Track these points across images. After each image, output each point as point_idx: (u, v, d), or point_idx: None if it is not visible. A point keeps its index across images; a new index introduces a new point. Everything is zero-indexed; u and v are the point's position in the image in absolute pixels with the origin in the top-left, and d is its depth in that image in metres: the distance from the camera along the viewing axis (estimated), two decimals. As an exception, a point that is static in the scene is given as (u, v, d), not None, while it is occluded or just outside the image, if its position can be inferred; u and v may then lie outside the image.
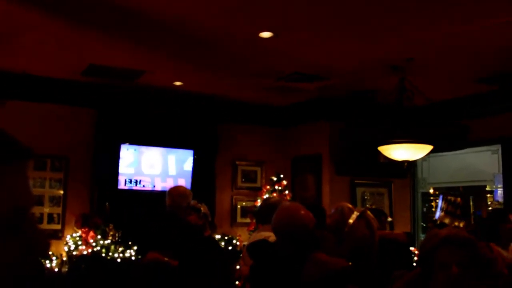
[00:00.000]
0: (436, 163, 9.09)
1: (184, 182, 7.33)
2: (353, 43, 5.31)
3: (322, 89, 7.04)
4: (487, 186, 8.66)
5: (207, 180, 7.80)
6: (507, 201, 7.10)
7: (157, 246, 4.39)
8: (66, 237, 6.75)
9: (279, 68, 6.26)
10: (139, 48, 5.64)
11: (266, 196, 7.58)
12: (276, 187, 7.69)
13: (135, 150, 7.30)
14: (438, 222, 3.59)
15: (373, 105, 6.99)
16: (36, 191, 6.92)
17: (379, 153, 6.35)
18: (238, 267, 4.95)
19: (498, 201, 7.99)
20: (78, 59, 6.04)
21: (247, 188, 8.34)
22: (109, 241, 6.46)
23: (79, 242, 6.49)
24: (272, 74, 6.50)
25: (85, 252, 6.35)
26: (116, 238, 6.56)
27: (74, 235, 6.62)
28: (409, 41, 5.20)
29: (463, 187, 8.93)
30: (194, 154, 7.64)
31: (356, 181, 7.99)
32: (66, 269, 6.47)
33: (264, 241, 3.24)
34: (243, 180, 8.35)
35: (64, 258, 6.61)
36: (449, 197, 4.13)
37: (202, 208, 5.07)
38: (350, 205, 3.02)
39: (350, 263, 2.65)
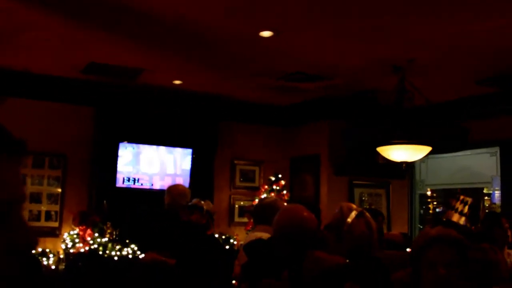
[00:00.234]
0: (434, 164, 9.09)
1: (183, 181, 7.32)
2: (354, 43, 5.31)
3: (322, 89, 7.04)
4: (485, 189, 8.66)
5: (206, 179, 7.79)
6: (504, 203, 7.11)
7: (156, 246, 4.39)
8: (63, 235, 6.74)
9: (279, 68, 6.26)
10: (139, 47, 5.63)
11: (264, 195, 7.58)
12: (274, 187, 7.70)
13: (133, 148, 7.29)
14: (444, 219, 3.59)
15: (373, 105, 7.00)
16: (34, 188, 6.91)
17: (378, 154, 6.35)
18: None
19: (495, 204, 7.99)
20: (78, 57, 6.03)
21: (245, 187, 8.34)
22: (106, 239, 6.45)
23: (77, 240, 6.48)
24: (272, 74, 6.49)
25: (82, 250, 6.34)
26: (114, 236, 6.55)
27: (72, 232, 6.61)
28: (410, 42, 5.20)
29: (461, 189, 8.94)
30: (193, 153, 7.63)
31: (354, 182, 8.00)
32: (63, 267, 6.45)
33: (261, 240, 3.24)
34: (241, 179, 8.35)
35: (61, 256, 6.60)
36: (461, 196, 4.13)
37: (205, 206, 5.05)
38: (350, 204, 3.02)
39: (347, 261, 2.65)
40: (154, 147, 7.42)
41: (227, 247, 7.34)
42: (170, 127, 7.54)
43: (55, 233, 6.92)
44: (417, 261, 2.37)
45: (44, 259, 6.49)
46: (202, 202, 5.23)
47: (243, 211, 8.06)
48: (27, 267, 0.83)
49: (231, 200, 8.18)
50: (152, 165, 7.40)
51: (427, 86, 5.92)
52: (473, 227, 3.80)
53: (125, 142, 7.21)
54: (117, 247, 6.43)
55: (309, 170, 8.04)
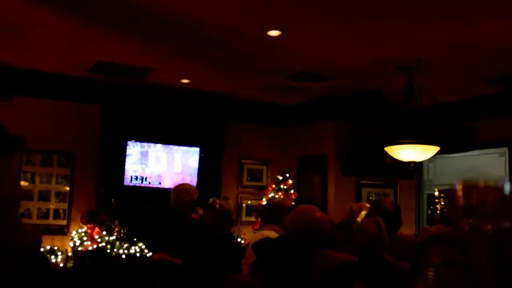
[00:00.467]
0: (442, 164, 9.05)
1: (190, 179, 7.34)
2: (361, 42, 5.30)
3: (330, 89, 7.04)
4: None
5: (213, 178, 7.80)
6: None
7: (160, 245, 4.40)
8: (71, 233, 6.78)
9: (287, 67, 6.25)
10: (147, 46, 5.65)
11: (271, 195, 7.59)
12: (282, 186, 7.69)
13: (141, 147, 7.32)
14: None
15: (380, 105, 6.98)
16: (43, 186, 6.97)
17: (386, 153, 6.34)
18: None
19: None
20: (86, 56, 6.06)
21: (253, 186, 8.35)
22: (114, 237, 6.48)
23: (85, 238, 6.51)
24: (279, 73, 6.49)
25: (90, 248, 6.37)
26: (122, 235, 6.58)
27: (80, 230, 6.64)
28: (417, 42, 5.18)
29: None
30: (200, 152, 7.65)
31: (361, 182, 7.98)
32: (71, 265, 6.49)
33: (269, 239, 3.25)
34: (249, 178, 8.36)
35: (69, 254, 6.64)
36: None
37: (217, 205, 4.99)
38: (362, 204, 3.04)
39: (357, 259, 2.66)
40: (162, 145, 7.45)
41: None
42: (178, 125, 7.56)
43: (63, 231, 6.96)
44: (417, 260, 2.37)
45: (53, 257, 6.53)
46: (217, 200, 5.18)
47: (250, 210, 8.06)
48: (33, 266, 0.82)
49: (239, 199, 8.19)
50: (160, 164, 7.43)
51: (435, 86, 5.90)
52: None
53: (133, 140, 7.24)
54: (125, 245, 6.46)
55: (317, 170, 8.04)
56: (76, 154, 7.16)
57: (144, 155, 7.33)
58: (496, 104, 6.90)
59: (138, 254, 6.42)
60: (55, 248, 6.69)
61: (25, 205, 6.86)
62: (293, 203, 4.12)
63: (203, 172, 7.63)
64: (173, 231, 4.33)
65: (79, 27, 5.10)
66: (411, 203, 8.48)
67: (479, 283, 0.70)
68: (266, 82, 6.93)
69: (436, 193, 9.02)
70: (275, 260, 2.85)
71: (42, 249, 5.94)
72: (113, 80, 7.00)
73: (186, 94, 7.47)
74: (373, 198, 8.06)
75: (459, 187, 1.02)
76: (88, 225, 6.55)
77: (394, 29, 4.90)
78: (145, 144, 7.34)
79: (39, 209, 6.92)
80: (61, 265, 6.53)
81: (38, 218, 6.88)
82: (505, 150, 7.56)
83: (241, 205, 8.18)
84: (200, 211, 5.57)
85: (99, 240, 6.40)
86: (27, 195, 6.87)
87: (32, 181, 6.91)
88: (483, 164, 8.50)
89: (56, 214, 7.01)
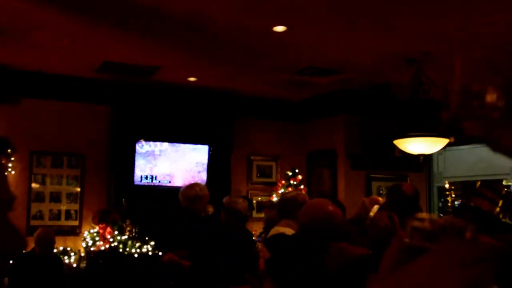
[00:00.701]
0: (452, 157, 9.01)
1: (200, 177, 7.36)
2: (368, 36, 5.28)
3: (337, 83, 7.02)
4: (504, 181, 8.56)
5: (223, 176, 7.81)
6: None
7: (171, 244, 4.40)
8: (83, 233, 6.81)
9: (294, 63, 6.25)
10: (153, 45, 5.66)
11: (281, 191, 7.59)
12: (291, 181, 7.69)
13: (150, 146, 7.34)
14: (472, 205, 3.55)
15: (388, 99, 6.96)
16: (54, 188, 7.01)
17: (395, 147, 6.32)
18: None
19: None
20: (93, 56, 6.08)
21: (262, 183, 8.35)
22: (126, 236, 6.51)
23: (97, 238, 6.54)
24: (286, 69, 6.49)
25: (102, 248, 6.40)
26: (133, 234, 6.61)
27: (92, 231, 6.68)
28: (425, 35, 5.16)
29: (481, 181, 8.84)
30: (210, 150, 7.66)
31: (371, 176, 7.96)
32: (84, 265, 6.53)
33: (283, 235, 3.25)
34: (258, 175, 8.36)
35: (82, 254, 6.68)
36: (494, 185, 4.06)
37: (225, 204, 4.92)
38: (373, 197, 3.04)
39: (370, 252, 2.66)
40: (171, 144, 7.46)
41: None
42: (186, 124, 7.58)
43: (75, 232, 7.01)
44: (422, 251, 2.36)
45: (66, 257, 6.57)
46: (226, 198, 5.13)
47: (260, 206, 8.06)
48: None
49: (249, 195, 8.19)
50: (169, 163, 7.45)
51: (443, 78, 5.86)
52: (504, 219, 3.75)
53: (142, 140, 7.26)
54: (137, 244, 6.48)
55: (326, 165, 8.03)
56: (86, 154, 7.19)
57: (153, 154, 7.36)
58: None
59: (150, 253, 6.45)
60: (68, 248, 6.74)
61: (37, 207, 6.91)
62: (307, 198, 4.08)
63: (213, 169, 7.64)
64: (183, 229, 4.34)
65: (85, 28, 5.12)
66: (422, 196, 8.44)
67: None
68: (273, 78, 6.93)
69: (447, 186, 9.01)
70: (288, 256, 2.86)
71: (55, 250, 5.98)
72: (120, 80, 7.02)
73: (193, 92, 7.49)
74: (383, 192, 8.04)
75: None
76: (100, 225, 6.58)
77: (401, 22, 4.88)
78: (154, 143, 7.36)
79: (50, 210, 6.96)
80: (74, 265, 6.57)
81: (50, 219, 6.92)
82: (515, 140, 7.51)
83: (251, 201, 8.18)
84: (211, 209, 5.57)
85: (111, 239, 6.43)
86: (39, 197, 6.92)
87: (43, 183, 6.96)
88: (493, 155, 8.42)
89: (68, 215, 7.05)
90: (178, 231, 4.44)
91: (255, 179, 8.33)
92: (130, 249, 6.41)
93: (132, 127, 7.26)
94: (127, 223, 6.65)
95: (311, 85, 7.13)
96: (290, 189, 7.56)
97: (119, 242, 6.43)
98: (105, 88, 7.17)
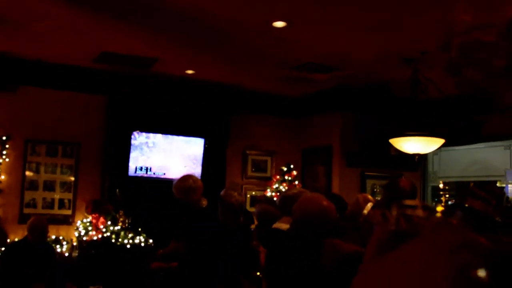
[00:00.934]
0: (447, 157, 9.04)
1: (194, 170, 7.35)
2: (367, 34, 5.27)
3: (335, 80, 7.02)
4: (498, 182, 8.60)
5: (218, 169, 7.82)
6: (518, 197, 7.05)
7: (167, 236, 4.40)
8: (76, 223, 6.82)
9: (292, 58, 6.24)
10: (152, 37, 5.64)
11: (275, 186, 7.60)
12: (286, 177, 7.70)
13: (146, 137, 7.32)
14: (466, 205, 3.55)
15: (386, 97, 6.96)
16: (48, 176, 6.99)
17: (390, 145, 6.33)
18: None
19: (509, 197, 7.94)
20: (91, 46, 6.05)
21: (257, 177, 8.36)
22: (119, 227, 6.51)
23: (89, 228, 6.54)
24: (285, 64, 6.48)
25: (95, 238, 6.40)
26: (126, 225, 6.61)
27: (85, 220, 6.68)
28: (422, 34, 5.15)
29: (474, 182, 8.88)
30: (205, 143, 7.65)
31: (366, 173, 7.98)
32: (76, 254, 6.53)
33: (277, 230, 3.25)
34: (253, 169, 8.37)
35: (75, 243, 6.68)
36: (487, 186, 4.07)
37: (222, 197, 4.86)
38: (367, 196, 3.03)
39: (363, 249, 2.67)
40: (166, 136, 7.45)
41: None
42: (183, 116, 7.57)
43: (68, 221, 7.00)
44: None
45: (58, 246, 6.57)
46: (225, 192, 5.08)
47: (255, 201, 8.06)
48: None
49: (243, 190, 8.20)
50: (164, 154, 7.44)
51: (441, 78, 5.87)
52: (497, 218, 3.77)
53: (138, 131, 7.25)
54: (130, 235, 6.49)
55: (321, 161, 8.04)
56: (81, 144, 7.17)
57: (148, 145, 7.34)
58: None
59: (142, 244, 6.45)
60: (60, 237, 6.74)
61: (30, 195, 6.89)
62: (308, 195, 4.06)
63: (208, 162, 7.64)
64: (178, 221, 4.33)
65: (83, 18, 5.10)
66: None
67: None
68: (271, 73, 6.92)
69: (441, 185, 9.04)
70: (284, 251, 2.85)
71: (47, 239, 5.98)
72: (118, 71, 7.00)
73: (191, 85, 7.47)
74: (378, 190, 8.06)
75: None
76: (93, 215, 6.58)
77: (399, 21, 4.87)
78: (150, 134, 7.35)
79: (44, 199, 6.95)
80: (66, 254, 6.57)
81: (43, 208, 6.92)
82: (510, 143, 7.55)
83: (245, 196, 8.18)
84: (205, 202, 5.54)
85: (104, 230, 6.43)
86: (33, 185, 6.91)
87: (37, 171, 6.94)
88: (488, 157, 8.48)
89: (61, 204, 7.04)
90: (174, 223, 4.43)
91: (250, 173, 8.34)
92: (123, 240, 6.41)
93: (128, 118, 7.25)
94: (120, 214, 6.65)
95: (309, 81, 7.13)
96: (284, 184, 7.57)
97: (112, 232, 6.44)
98: (102, 78, 7.14)
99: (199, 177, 5.50)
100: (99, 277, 5.53)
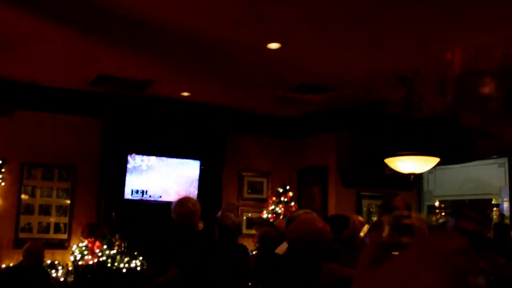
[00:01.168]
0: (442, 175, 9.06)
1: (191, 192, 7.34)
2: (360, 54, 5.33)
3: (330, 100, 7.06)
4: (493, 200, 8.62)
5: (214, 191, 7.80)
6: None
7: (166, 260, 4.36)
8: (72, 247, 6.76)
9: (287, 79, 6.28)
10: (147, 59, 5.68)
11: (272, 207, 7.58)
12: (282, 198, 7.69)
13: (142, 160, 7.32)
14: (458, 227, 3.57)
15: (380, 117, 6.99)
16: (43, 200, 6.96)
17: (385, 165, 6.34)
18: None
19: (504, 215, 7.95)
20: (87, 69, 6.09)
21: (253, 199, 8.34)
22: (115, 251, 6.47)
23: (85, 252, 6.49)
24: (279, 85, 6.52)
25: (91, 262, 6.35)
26: (122, 248, 6.57)
27: (80, 245, 6.63)
28: (415, 54, 5.21)
29: (469, 200, 8.90)
30: (201, 165, 7.65)
31: (362, 193, 7.97)
32: (72, 279, 6.47)
33: (273, 254, 3.24)
34: (249, 191, 8.36)
35: (70, 268, 6.62)
36: (478, 206, 4.11)
37: (219, 218, 4.84)
38: (361, 218, 3.04)
39: None
40: (162, 158, 7.45)
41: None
42: (178, 138, 7.57)
43: (64, 245, 6.95)
44: None
45: (53, 271, 6.51)
46: (222, 214, 5.07)
47: (251, 223, 8.04)
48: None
49: (239, 212, 8.18)
50: (160, 177, 7.43)
51: (435, 97, 5.91)
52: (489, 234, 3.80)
53: (133, 154, 7.25)
54: (126, 259, 6.44)
55: (317, 182, 8.04)
56: (77, 167, 7.16)
57: (144, 168, 7.34)
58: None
59: (138, 268, 6.41)
60: (56, 262, 6.67)
61: (26, 219, 6.85)
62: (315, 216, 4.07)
63: (204, 185, 7.63)
64: (178, 244, 4.30)
65: (79, 41, 5.13)
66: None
67: None
68: (266, 94, 6.96)
69: (437, 204, 9.04)
70: (280, 274, 2.85)
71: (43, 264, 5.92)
72: (113, 93, 7.02)
73: (186, 106, 7.50)
74: (374, 210, 8.05)
75: None
76: (89, 239, 6.53)
77: (393, 41, 4.93)
78: (145, 157, 7.35)
79: (39, 223, 6.91)
80: (62, 279, 6.51)
81: (38, 232, 6.87)
82: (504, 160, 7.58)
83: (241, 217, 8.15)
84: (201, 225, 5.52)
85: (99, 254, 6.38)
86: (28, 209, 6.87)
87: (32, 195, 6.91)
88: (483, 175, 8.51)
89: (57, 228, 7.00)
90: (174, 246, 4.39)
91: (246, 195, 8.33)
92: (119, 264, 6.36)
93: (124, 141, 7.25)
94: (116, 238, 6.61)
95: (303, 102, 7.17)
96: (280, 206, 7.56)
97: (108, 256, 6.39)
98: (98, 101, 7.17)
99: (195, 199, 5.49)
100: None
